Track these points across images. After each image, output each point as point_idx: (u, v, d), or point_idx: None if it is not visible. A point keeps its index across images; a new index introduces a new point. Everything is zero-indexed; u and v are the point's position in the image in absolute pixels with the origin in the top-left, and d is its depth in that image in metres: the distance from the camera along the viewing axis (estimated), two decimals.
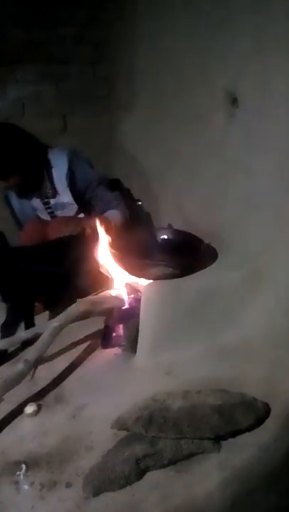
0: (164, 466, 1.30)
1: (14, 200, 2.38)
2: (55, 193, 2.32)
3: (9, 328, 2.01)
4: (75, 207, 2.34)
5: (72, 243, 2.08)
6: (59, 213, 2.38)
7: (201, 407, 1.38)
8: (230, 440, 1.35)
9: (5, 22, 2.66)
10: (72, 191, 2.30)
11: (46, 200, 2.35)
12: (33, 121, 2.64)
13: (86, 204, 2.36)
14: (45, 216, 2.42)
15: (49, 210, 2.39)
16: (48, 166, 2.28)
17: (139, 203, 2.70)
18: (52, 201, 2.34)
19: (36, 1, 2.67)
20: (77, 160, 2.32)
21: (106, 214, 2.27)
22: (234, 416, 1.36)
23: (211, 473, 1.27)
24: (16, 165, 2.14)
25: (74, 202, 2.33)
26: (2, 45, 2.69)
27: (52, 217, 2.40)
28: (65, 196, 2.31)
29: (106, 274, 1.95)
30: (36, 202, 2.37)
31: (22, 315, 2.06)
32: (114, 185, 2.66)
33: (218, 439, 1.34)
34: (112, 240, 1.93)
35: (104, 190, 2.35)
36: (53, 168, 2.28)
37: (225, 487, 1.24)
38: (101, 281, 2.02)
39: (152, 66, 2.45)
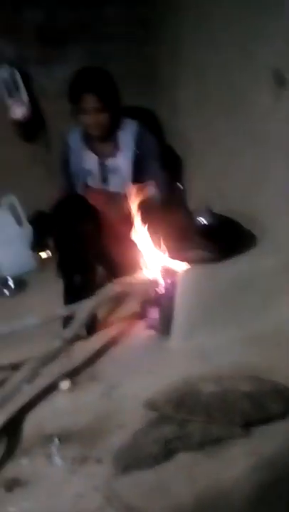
0: (192, 449, 1.31)
1: (74, 155, 2.43)
2: (115, 153, 2.36)
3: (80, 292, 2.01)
4: (127, 173, 2.37)
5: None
6: (111, 178, 2.41)
7: (232, 393, 1.38)
8: (260, 427, 1.34)
9: (51, 2, 2.66)
10: (135, 155, 2.35)
11: (104, 159, 2.38)
12: None
13: (138, 173, 2.38)
14: (95, 180, 2.45)
15: (103, 173, 2.42)
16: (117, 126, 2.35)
17: (179, 185, 2.68)
18: (109, 162, 2.38)
19: None
20: (145, 129, 2.40)
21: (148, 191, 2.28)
22: (265, 403, 1.36)
23: (239, 459, 1.27)
24: (115, 100, 2.27)
25: (130, 167, 2.36)
26: (48, 25, 2.70)
27: (103, 181, 2.43)
28: (124, 159, 2.36)
29: (142, 255, 1.96)
30: (93, 161, 2.40)
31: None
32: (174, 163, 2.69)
33: (247, 425, 1.34)
34: (150, 221, 1.93)
35: (158, 167, 2.41)
36: (122, 130, 2.35)
37: (252, 474, 1.25)
38: (136, 261, 2.02)
39: (197, 46, 2.39)
